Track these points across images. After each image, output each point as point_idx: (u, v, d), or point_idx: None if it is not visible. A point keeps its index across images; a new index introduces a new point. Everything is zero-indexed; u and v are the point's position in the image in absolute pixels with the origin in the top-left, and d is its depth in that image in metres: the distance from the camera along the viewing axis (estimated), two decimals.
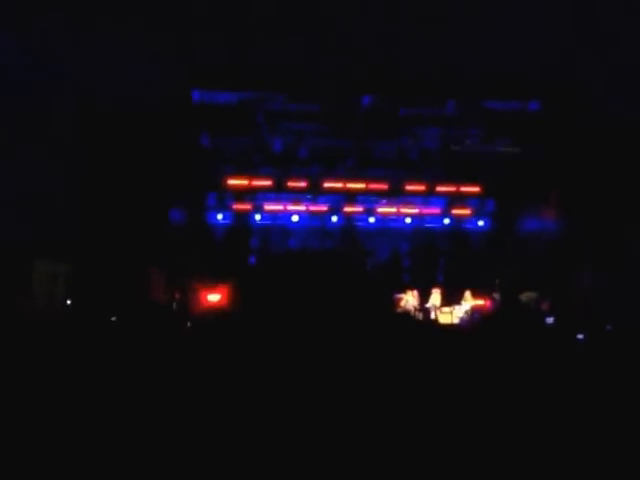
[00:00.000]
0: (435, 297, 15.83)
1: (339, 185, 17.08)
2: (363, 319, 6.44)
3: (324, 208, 17.53)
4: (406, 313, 14.44)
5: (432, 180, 17.11)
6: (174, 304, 14.56)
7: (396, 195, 17.30)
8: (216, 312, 12.09)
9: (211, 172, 16.84)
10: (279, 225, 17.80)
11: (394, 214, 17.71)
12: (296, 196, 17.36)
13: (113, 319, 9.55)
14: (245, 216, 17.66)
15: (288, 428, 4.33)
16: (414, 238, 17.96)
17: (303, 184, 17.03)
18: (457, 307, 15.31)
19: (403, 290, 15.55)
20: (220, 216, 17.58)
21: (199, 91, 15.38)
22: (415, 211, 17.72)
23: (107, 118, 14.18)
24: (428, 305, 15.71)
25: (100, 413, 4.42)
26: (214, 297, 14.54)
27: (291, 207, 17.48)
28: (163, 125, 14.76)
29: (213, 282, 14.80)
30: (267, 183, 17.04)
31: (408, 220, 17.79)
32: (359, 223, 17.78)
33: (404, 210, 17.68)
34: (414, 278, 17.07)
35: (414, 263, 17.70)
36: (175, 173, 15.66)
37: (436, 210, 17.87)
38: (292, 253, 16.37)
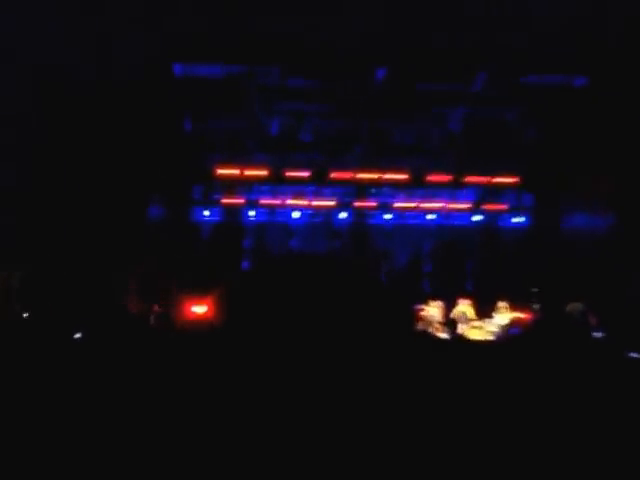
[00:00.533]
0: (464, 309, 15.74)
1: (348, 175, 17.23)
2: (377, 338, 6.30)
3: (331, 203, 17.63)
4: (429, 329, 14.43)
5: (460, 169, 17.22)
6: (152, 317, 14.40)
7: (417, 187, 17.46)
8: (201, 326, 12.01)
9: (196, 160, 17.01)
10: (277, 223, 17.93)
11: (414, 210, 17.79)
12: (297, 188, 17.49)
13: (77, 336, 9.40)
14: (236, 212, 17.81)
15: (287, 463, 4.45)
16: (438, 238, 18.06)
17: (305, 174, 17.17)
18: (490, 321, 15.27)
19: (425, 301, 15.56)
20: (207, 212, 17.72)
21: (181, 64, 15.30)
22: (439, 206, 17.77)
23: (71, 99, 14.37)
24: (455, 318, 15.57)
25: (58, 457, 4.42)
26: (197, 308, 14.67)
27: (291, 201, 17.59)
28: (138, 105, 14.85)
29: (199, 290, 14.76)
30: (262, 173, 17.17)
31: (431, 217, 17.86)
32: (372, 221, 17.89)
33: (426, 205, 17.75)
34: (438, 286, 17.27)
35: (438, 268, 17.85)
36: (153, 162, 15.84)
37: (465, 205, 17.96)
38: (292, 256, 16.01)
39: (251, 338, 6.53)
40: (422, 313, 15.24)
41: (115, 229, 15.06)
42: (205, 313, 14.03)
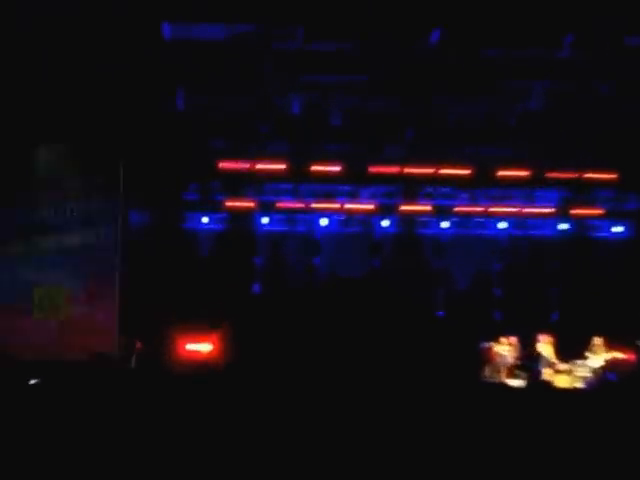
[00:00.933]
0: (546, 348, 15.74)
1: (393, 170, 17.22)
2: (433, 390, 6.40)
3: (369, 207, 17.61)
4: (500, 375, 14.70)
5: (540, 162, 17.22)
6: (132, 358, 14.72)
7: (483, 186, 17.46)
8: (200, 372, 12.24)
9: (192, 150, 17.09)
10: (298, 233, 17.99)
11: (480, 216, 17.81)
12: (325, 188, 17.54)
13: (33, 382, 9.59)
14: (245, 219, 17.87)
15: None
16: (512, 253, 18.05)
17: (336, 169, 17.18)
18: (581, 363, 15.34)
19: (495, 338, 15.66)
20: (206, 219, 17.78)
21: (171, 25, 15.25)
22: (513, 211, 17.74)
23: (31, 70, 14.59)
24: (534, 360, 15.67)
25: None
26: (197, 347, 14.88)
27: (317, 205, 17.62)
28: (116, 78, 15.02)
29: (195, 324, 15.08)
30: (279, 167, 17.23)
31: (502, 225, 17.80)
32: (425, 230, 17.88)
33: (496, 209, 17.74)
34: (512, 318, 17.19)
35: (512, 293, 17.81)
36: (135, 152, 15.97)
37: (547, 209, 17.92)
38: (320, 280, 16.63)
39: (270, 389, 6.62)
40: (491, 353, 15.42)
41: (83, 243, 15.33)
42: (206, 354, 14.37)
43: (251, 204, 17.54)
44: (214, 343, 14.19)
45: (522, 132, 16.99)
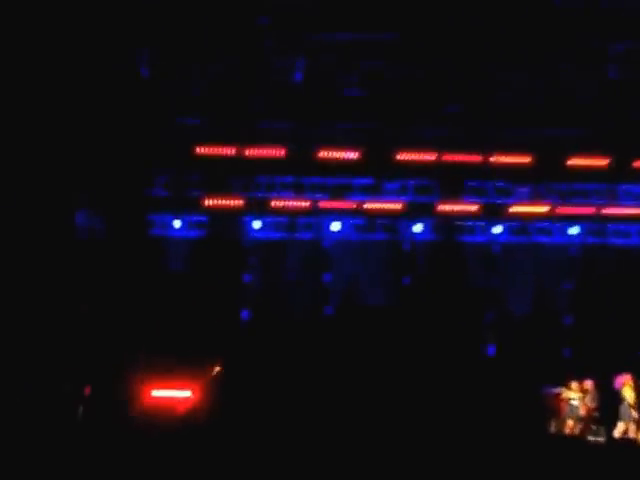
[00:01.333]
0: (630, 394, 15.70)
1: (428, 157, 17.28)
2: (486, 447, 6.48)
3: (396, 206, 17.69)
4: (571, 428, 14.75)
5: (624, 147, 17.21)
6: (80, 406, 14.68)
7: (549, 178, 17.53)
8: (173, 428, 12.26)
9: (159, 131, 17.16)
10: (301, 242, 18.09)
11: (544, 218, 17.86)
12: (337, 181, 17.62)
13: None
14: (230, 223, 18.02)
15: None
16: (587, 268, 18.17)
17: (352, 155, 17.25)
18: None
19: (564, 381, 15.75)
20: (178, 223, 17.88)
21: None
22: (589, 212, 17.81)
23: None
24: (617, 412, 15.63)
25: None
26: (170, 394, 14.89)
27: (327, 204, 17.71)
28: (61, 42, 15.07)
29: (166, 363, 15.13)
30: (276, 153, 17.31)
31: (574, 231, 17.87)
32: (471, 237, 18.02)
33: (565, 210, 17.80)
34: (586, 354, 17.23)
35: (586, 321, 17.87)
36: (83, 135, 15.96)
37: (634, 209, 17.96)
38: (331, 306, 16.81)
39: (264, 448, 6.66)
40: (558, 402, 15.50)
41: (18, 251, 15.17)
42: (184, 403, 14.35)
43: (238, 203, 17.49)
44: (195, 389, 14.16)
45: (601, 109, 17.00)
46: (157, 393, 14.83)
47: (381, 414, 11.99)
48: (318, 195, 17.53)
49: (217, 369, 11.69)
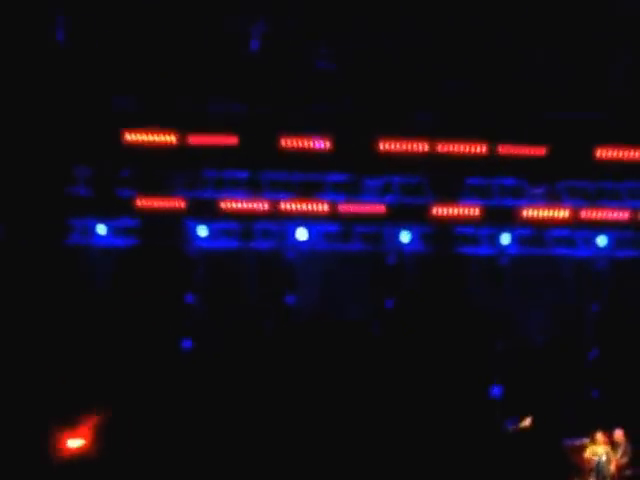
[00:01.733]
0: None
1: (418, 148, 16.61)
2: None
3: (379, 209, 17.21)
4: None
5: None
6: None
7: (569, 175, 16.72)
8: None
9: (80, 113, 16.17)
10: (258, 253, 17.37)
11: (564, 224, 17.12)
12: (304, 177, 16.91)
13: None
14: (169, 228, 17.27)
15: None
16: (616, 286, 17.24)
17: (322, 144, 16.65)
18: None
19: (589, 430, 14.85)
20: (103, 229, 17.10)
21: None
22: (621, 217, 17.07)
23: None
24: None
25: None
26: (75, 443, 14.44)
27: (291, 206, 17.15)
28: None
29: (86, 404, 14.54)
30: (227, 142, 16.65)
31: (602, 241, 17.22)
32: (472, 249, 17.22)
33: (590, 215, 17.06)
34: (616, 397, 16.29)
35: (616, 354, 16.84)
36: None
37: None
38: (296, 332, 15.82)
39: None
40: (582, 457, 14.81)
41: None
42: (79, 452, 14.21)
43: (179, 204, 16.73)
44: (85, 436, 13.76)
45: (637, 87, 16.35)
46: (72, 443, 14.11)
47: None
48: (280, 194, 16.64)
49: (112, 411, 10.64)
